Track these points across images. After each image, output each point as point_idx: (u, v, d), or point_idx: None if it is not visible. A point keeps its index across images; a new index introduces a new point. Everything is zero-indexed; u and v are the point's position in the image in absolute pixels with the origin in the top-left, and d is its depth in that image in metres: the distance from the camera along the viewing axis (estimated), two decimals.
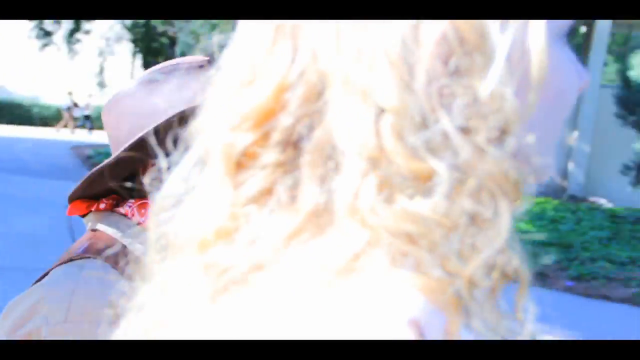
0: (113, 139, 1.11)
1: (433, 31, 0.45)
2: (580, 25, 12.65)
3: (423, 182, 0.44)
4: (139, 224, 1.08)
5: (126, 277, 0.89)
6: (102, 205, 1.12)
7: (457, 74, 0.45)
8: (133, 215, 1.10)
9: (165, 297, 0.55)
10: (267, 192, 0.49)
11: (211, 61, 0.99)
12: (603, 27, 13.00)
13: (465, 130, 0.44)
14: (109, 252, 1.03)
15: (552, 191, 12.26)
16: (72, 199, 1.13)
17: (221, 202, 0.51)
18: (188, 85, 1.05)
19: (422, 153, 0.44)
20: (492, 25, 0.45)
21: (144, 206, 1.10)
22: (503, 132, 0.45)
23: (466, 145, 0.44)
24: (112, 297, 0.85)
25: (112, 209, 1.12)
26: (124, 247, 1.05)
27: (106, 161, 1.04)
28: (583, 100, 13.80)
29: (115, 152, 1.05)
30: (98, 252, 1.03)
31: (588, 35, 14.55)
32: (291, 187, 0.48)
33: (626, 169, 11.48)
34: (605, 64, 15.36)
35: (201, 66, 1.08)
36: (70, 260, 1.03)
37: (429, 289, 0.43)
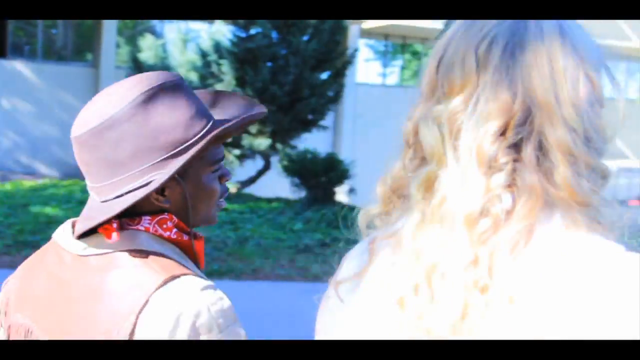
0: (108, 161, 1.12)
1: (586, 96, 0.83)
2: None
3: (596, 173, 0.83)
4: (167, 239, 1.17)
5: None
6: (114, 225, 1.13)
7: (595, 114, 0.84)
8: (156, 231, 1.16)
9: (428, 261, 0.82)
10: (509, 179, 0.80)
11: (182, 78, 1.19)
12: None
13: (602, 142, 0.86)
14: (190, 272, 1.12)
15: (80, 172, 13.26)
16: (105, 222, 1.13)
17: (478, 189, 0.80)
18: (178, 103, 1.15)
19: (595, 155, 0.84)
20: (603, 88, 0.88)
21: (163, 221, 1.17)
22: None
23: (604, 150, 0.86)
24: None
25: (122, 227, 1.15)
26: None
27: (176, 166, 1.11)
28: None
29: (113, 173, 1.13)
30: (183, 273, 1.11)
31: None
32: (522, 176, 0.81)
33: None
34: (118, 46, 16.85)
35: (178, 84, 1.17)
36: (173, 277, 1.09)
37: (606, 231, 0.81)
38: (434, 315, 0.79)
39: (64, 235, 1.19)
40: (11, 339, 1.20)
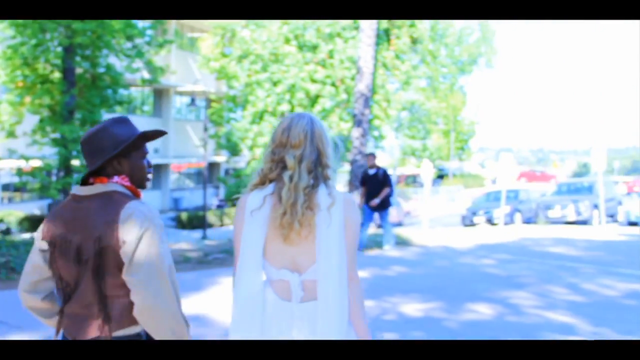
0: (96, 149, 2.61)
1: (330, 146, 2.79)
2: None
3: (334, 170, 2.81)
4: (126, 187, 2.64)
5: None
6: (105, 179, 2.63)
7: (330, 152, 2.79)
8: (120, 182, 2.63)
9: None
10: (312, 175, 2.70)
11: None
12: None
13: (333, 160, 2.82)
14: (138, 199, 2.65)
15: None
16: (91, 176, 2.64)
17: (306, 178, 2.70)
18: (124, 125, 2.66)
19: (331, 164, 2.81)
20: None
21: (124, 178, 2.63)
22: None
23: (333, 162, 2.83)
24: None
25: (108, 181, 2.62)
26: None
27: (112, 154, 2.59)
28: None
29: (98, 154, 2.60)
30: (136, 199, 2.63)
31: None
32: (316, 174, 2.71)
33: None
34: None
35: (125, 119, 2.71)
36: (130, 198, 2.59)
37: None
38: (290, 220, 2.56)
39: (76, 189, 2.64)
40: (57, 247, 2.58)
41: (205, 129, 31.44)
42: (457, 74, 58.83)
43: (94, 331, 2.49)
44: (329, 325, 2.59)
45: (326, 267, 2.61)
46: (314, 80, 26.83)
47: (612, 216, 25.63)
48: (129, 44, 20.32)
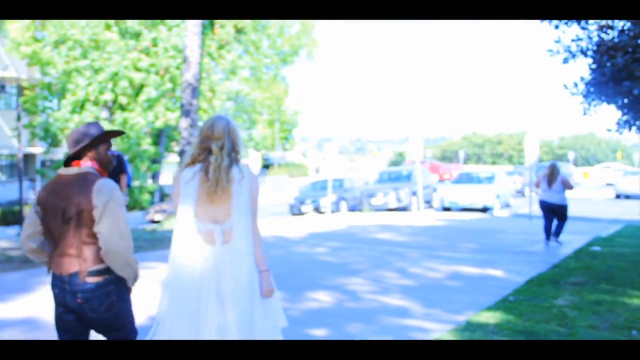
0: (75, 140, 3.89)
1: (241, 137, 4.15)
2: None
3: (241, 153, 4.21)
4: (96, 169, 3.93)
5: None
6: (80, 162, 3.92)
7: (241, 140, 4.14)
8: (92, 166, 3.91)
9: None
10: (231, 157, 3.98)
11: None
12: None
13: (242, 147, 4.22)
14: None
15: None
16: (71, 160, 3.95)
17: (227, 159, 3.95)
18: (95, 126, 3.99)
19: (240, 150, 4.10)
20: None
21: (94, 163, 3.92)
22: None
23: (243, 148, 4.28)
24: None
25: (82, 165, 3.91)
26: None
27: (84, 144, 3.90)
28: None
29: (76, 144, 3.90)
30: (104, 177, 3.95)
31: None
32: (231, 156, 3.98)
33: None
34: None
35: (97, 123, 4.06)
36: (100, 177, 3.88)
37: None
38: (215, 189, 3.84)
39: (61, 170, 3.93)
40: (48, 210, 3.82)
41: (19, 118, 29.37)
42: (279, 64, 59.69)
43: (74, 266, 3.75)
44: (241, 257, 3.85)
45: (238, 220, 3.88)
46: (137, 69, 25.96)
47: (428, 202, 27.38)
48: None
